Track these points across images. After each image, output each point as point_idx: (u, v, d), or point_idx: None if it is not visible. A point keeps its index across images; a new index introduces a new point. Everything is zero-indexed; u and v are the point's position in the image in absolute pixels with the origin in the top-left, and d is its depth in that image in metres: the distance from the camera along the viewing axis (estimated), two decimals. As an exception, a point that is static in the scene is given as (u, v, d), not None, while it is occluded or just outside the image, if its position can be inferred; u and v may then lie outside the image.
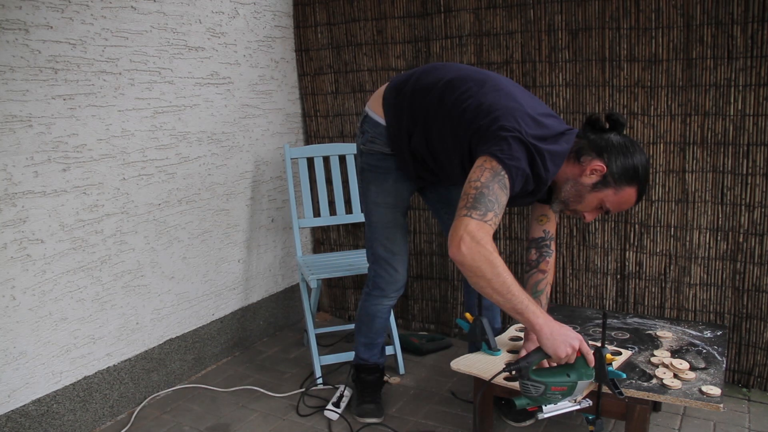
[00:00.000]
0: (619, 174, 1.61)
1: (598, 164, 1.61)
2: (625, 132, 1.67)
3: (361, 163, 2.04)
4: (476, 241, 1.47)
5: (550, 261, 1.87)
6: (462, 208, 1.52)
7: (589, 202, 1.66)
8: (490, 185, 1.52)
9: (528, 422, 2.15)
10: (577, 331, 2.04)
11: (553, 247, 1.88)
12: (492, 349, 1.90)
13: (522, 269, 2.63)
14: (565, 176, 1.67)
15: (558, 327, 1.54)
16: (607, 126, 1.66)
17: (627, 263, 2.45)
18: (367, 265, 2.16)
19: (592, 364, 1.54)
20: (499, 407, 2.16)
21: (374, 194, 2.02)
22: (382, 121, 1.92)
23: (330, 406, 2.23)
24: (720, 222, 2.27)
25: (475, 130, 1.64)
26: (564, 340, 1.53)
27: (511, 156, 1.54)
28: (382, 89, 1.96)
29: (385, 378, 2.36)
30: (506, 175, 1.54)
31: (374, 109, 1.94)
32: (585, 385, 1.58)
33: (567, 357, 1.53)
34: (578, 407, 1.61)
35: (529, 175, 1.60)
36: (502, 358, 1.87)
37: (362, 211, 2.16)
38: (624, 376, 1.61)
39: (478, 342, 1.94)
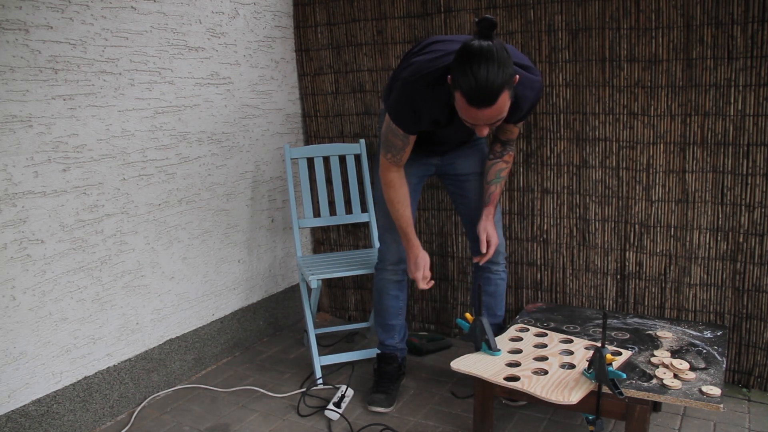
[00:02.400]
0: (452, 82, 1.66)
1: (448, 76, 1.69)
2: (495, 40, 1.60)
3: (376, 149, 2.25)
4: (382, 171, 2.03)
5: (512, 155, 2.14)
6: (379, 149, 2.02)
7: (459, 112, 1.72)
8: (386, 134, 1.95)
9: (523, 401, 2.18)
10: (577, 332, 2.06)
11: (513, 147, 2.13)
12: (492, 349, 1.90)
13: (521, 267, 2.64)
14: None
15: (412, 254, 2.06)
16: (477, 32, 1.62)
17: (627, 263, 2.45)
18: (368, 265, 2.17)
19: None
20: None
21: None
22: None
23: (331, 406, 2.23)
24: (720, 222, 2.27)
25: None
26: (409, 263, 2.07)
27: (395, 108, 1.88)
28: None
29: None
30: (394, 125, 1.90)
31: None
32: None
33: (411, 275, 2.05)
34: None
35: (414, 113, 1.84)
36: (502, 358, 1.87)
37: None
38: (624, 376, 1.61)
39: (478, 342, 1.94)
